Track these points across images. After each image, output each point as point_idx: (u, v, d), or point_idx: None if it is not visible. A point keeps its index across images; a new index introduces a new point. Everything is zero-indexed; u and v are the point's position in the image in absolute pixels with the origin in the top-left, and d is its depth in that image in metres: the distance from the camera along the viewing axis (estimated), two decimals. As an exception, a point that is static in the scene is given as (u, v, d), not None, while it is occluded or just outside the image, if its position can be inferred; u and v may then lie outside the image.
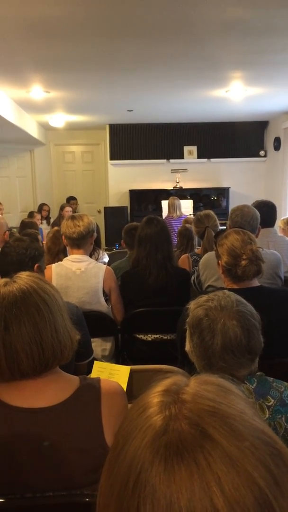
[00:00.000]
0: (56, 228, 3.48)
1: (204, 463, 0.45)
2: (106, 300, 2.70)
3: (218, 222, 3.58)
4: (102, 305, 2.66)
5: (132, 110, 6.81)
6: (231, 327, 1.25)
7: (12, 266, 2.03)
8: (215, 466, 0.45)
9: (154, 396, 0.54)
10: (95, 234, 2.76)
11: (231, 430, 0.48)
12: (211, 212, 3.60)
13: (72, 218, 2.68)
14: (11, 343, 1.13)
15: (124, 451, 0.51)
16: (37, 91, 5.23)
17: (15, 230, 4.15)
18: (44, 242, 5.46)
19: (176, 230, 4.61)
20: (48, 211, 8.26)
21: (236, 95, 5.69)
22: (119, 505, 0.48)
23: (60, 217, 6.94)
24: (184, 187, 8.14)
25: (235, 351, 1.24)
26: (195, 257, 3.45)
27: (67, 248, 2.79)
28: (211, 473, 0.45)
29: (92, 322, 2.31)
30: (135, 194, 8.25)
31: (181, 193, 7.94)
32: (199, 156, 8.36)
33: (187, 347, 1.34)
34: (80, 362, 2.04)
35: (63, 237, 2.74)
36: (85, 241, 2.65)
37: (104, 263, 3.22)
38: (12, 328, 1.13)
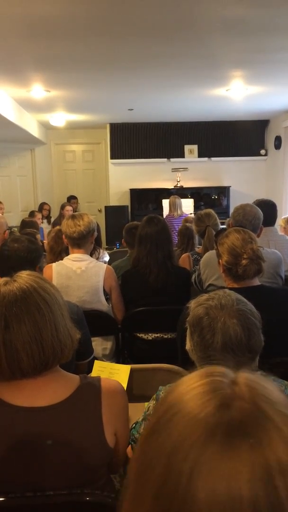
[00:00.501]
0: (58, 227, 3.48)
1: (265, 441, 0.47)
2: (106, 299, 2.70)
3: (218, 221, 3.58)
4: (102, 304, 2.66)
5: (132, 109, 6.80)
6: (231, 326, 1.25)
7: (13, 270, 2.01)
8: (275, 446, 0.47)
9: (208, 376, 0.55)
10: (95, 233, 2.76)
11: (286, 416, 0.50)
12: (212, 211, 3.60)
13: (73, 217, 2.67)
14: (11, 342, 1.13)
15: (175, 421, 0.52)
16: (37, 90, 5.23)
17: (15, 229, 4.15)
18: (45, 241, 5.48)
19: (177, 229, 4.61)
20: (49, 210, 8.26)
21: (237, 94, 5.68)
22: (168, 470, 0.49)
23: (61, 216, 6.94)
24: (184, 186, 8.14)
25: (236, 350, 1.24)
26: (195, 256, 3.45)
27: (69, 246, 2.78)
28: (272, 452, 0.46)
29: (93, 321, 2.31)
30: (135, 193, 8.25)
31: (182, 192, 7.93)
32: (199, 155, 8.35)
33: (188, 345, 1.34)
34: (81, 361, 2.04)
35: (63, 236, 2.73)
36: (85, 240, 2.64)
37: (105, 262, 3.22)
38: (12, 327, 1.13)
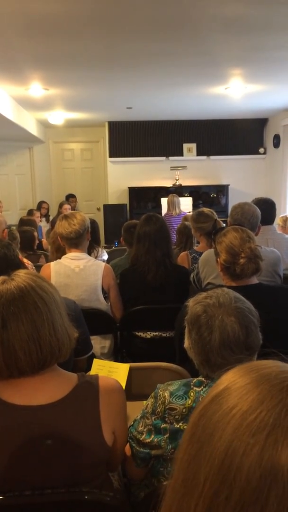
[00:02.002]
0: None
1: None
2: (105, 298, 2.70)
3: None
4: (101, 303, 2.66)
5: (131, 108, 6.79)
6: (229, 323, 1.25)
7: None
8: None
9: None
10: (89, 229, 2.74)
11: None
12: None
13: (65, 217, 2.63)
14: (9, 341, 1.13)
15: (240, 389, 0.52)
16: (36, 88, 5.21)
17: (13, 227, 4.14)
18: (43, 239, 5.47)
19: (176, 227, 4.59)
20: (47, 209, 8.25)
21: (236, 92, 5.67)
22: (236, 436, 0.49)
23: (59, 215, 6.92)
24: (183, 185, 8.14)
25: (233, 347, 1.24)
26: (194, 254, 3.45)
27: (65, 247, 2.73)
28: None
29: (91, 320, 2.31)
30: (134, 192, 8.24)
31: (181, 191, 7.93)
32: (198, 154, 8.35)
33: (186, 343, 1.34)
34: (80, 357, 2.04)
35: (59, 238, 2.69)
36: (82, 239, 2.63)
37: (103, 261, 3.22)
38: (9, 325, 1.13)
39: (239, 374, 0.55)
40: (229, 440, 0.49)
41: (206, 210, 3.50)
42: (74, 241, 2.61)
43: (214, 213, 3.48)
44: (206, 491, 0.49)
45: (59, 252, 3.05)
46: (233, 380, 0.54)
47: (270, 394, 0.50)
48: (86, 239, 2.68)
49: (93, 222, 3.39)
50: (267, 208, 3.25)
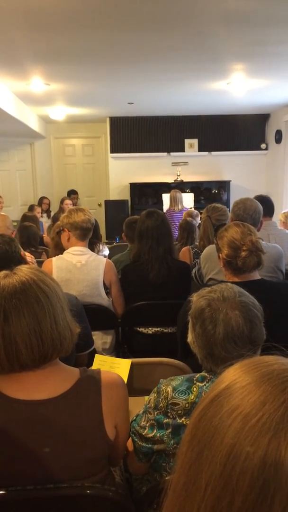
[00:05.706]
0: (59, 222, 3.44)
1: None
2: (106, 293, 2.69)
3: (227, 215, 3.51)
4: (102, 298, 2.65)
5: (132, 103, 6.77)
6: (233, 317, 1.25)
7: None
8: None
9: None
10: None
11: None
12: (220, 206, 3.55)
13: (79, 210, 2.67)
14: (10, 334, 1.13)
15: (242, 389, 0.51)
16: (37, 84, 5.20)
17: (15, 223, 4.14)
18: (44, 235, 5.46)
19: (177, 223, 4.58)
20: (49, 205, 8.24)
21: (238, 88, 5.65)
22: (239, 437, 0.48)
23: (61, 211, 6.92)
24: (185, 180, 8.12)
25: (237, 341, 1.24)
26: (196, 249, 3.44)
27: (70, 240, 2.70)
28: None
29: (93, 315, 2.31)
30: (135, 188, 8.23)
31: (182, 186, 7.91)
32: (200, 149, 8.32)
33: (189, 338, 1.34)
34: (81, 352, 2.04)
35: (66, 230, 2.66)
36: (90, 231, 2.66)
37: (105, 256, 3.22)
38: (11, 318, 1.13)
39: (240, 372, 0.54)
40: (231, 444, 0.48)
41: (212, 206, 3.46)
42: (84, 232, 2.61)
43: (222, 209, 3.41)
44: (208, 496, 0.48)
45: (57, 249, 3.04)
46: (234, 379, 0.53)
47: (272, 396, 0.49)
48: (90, 235, 2.70)
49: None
50: (262, 200, 3.29)
